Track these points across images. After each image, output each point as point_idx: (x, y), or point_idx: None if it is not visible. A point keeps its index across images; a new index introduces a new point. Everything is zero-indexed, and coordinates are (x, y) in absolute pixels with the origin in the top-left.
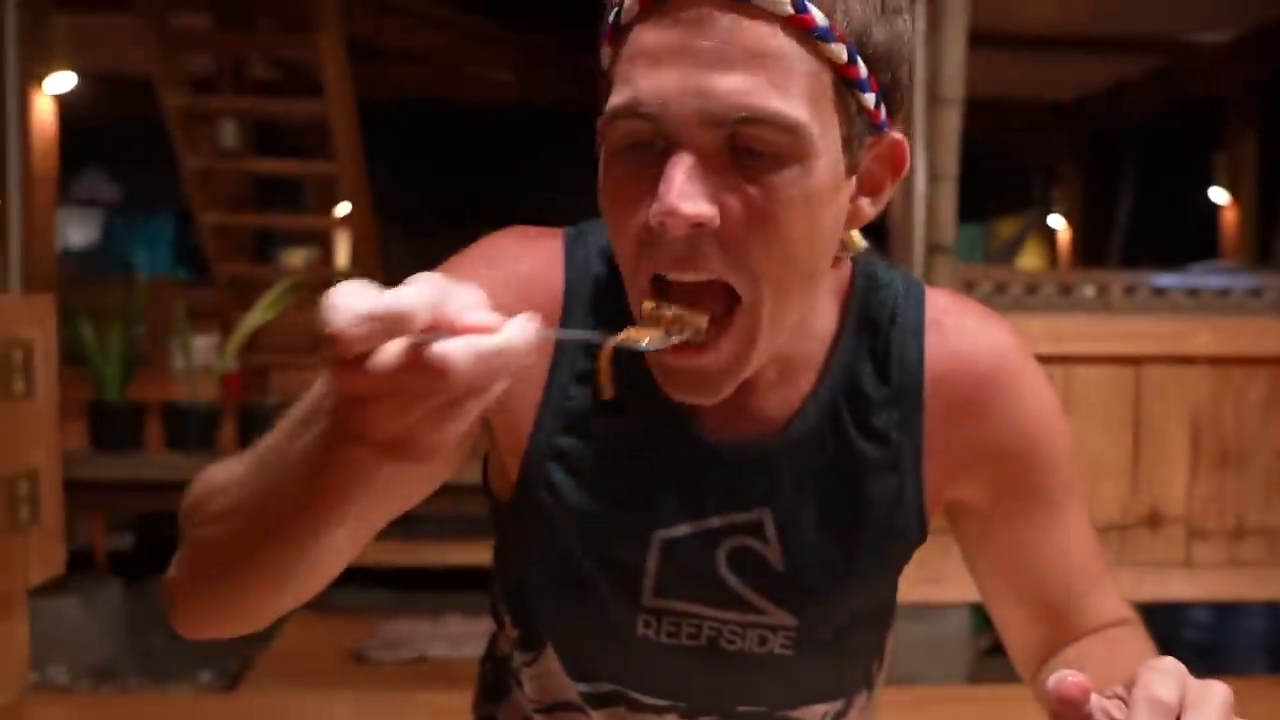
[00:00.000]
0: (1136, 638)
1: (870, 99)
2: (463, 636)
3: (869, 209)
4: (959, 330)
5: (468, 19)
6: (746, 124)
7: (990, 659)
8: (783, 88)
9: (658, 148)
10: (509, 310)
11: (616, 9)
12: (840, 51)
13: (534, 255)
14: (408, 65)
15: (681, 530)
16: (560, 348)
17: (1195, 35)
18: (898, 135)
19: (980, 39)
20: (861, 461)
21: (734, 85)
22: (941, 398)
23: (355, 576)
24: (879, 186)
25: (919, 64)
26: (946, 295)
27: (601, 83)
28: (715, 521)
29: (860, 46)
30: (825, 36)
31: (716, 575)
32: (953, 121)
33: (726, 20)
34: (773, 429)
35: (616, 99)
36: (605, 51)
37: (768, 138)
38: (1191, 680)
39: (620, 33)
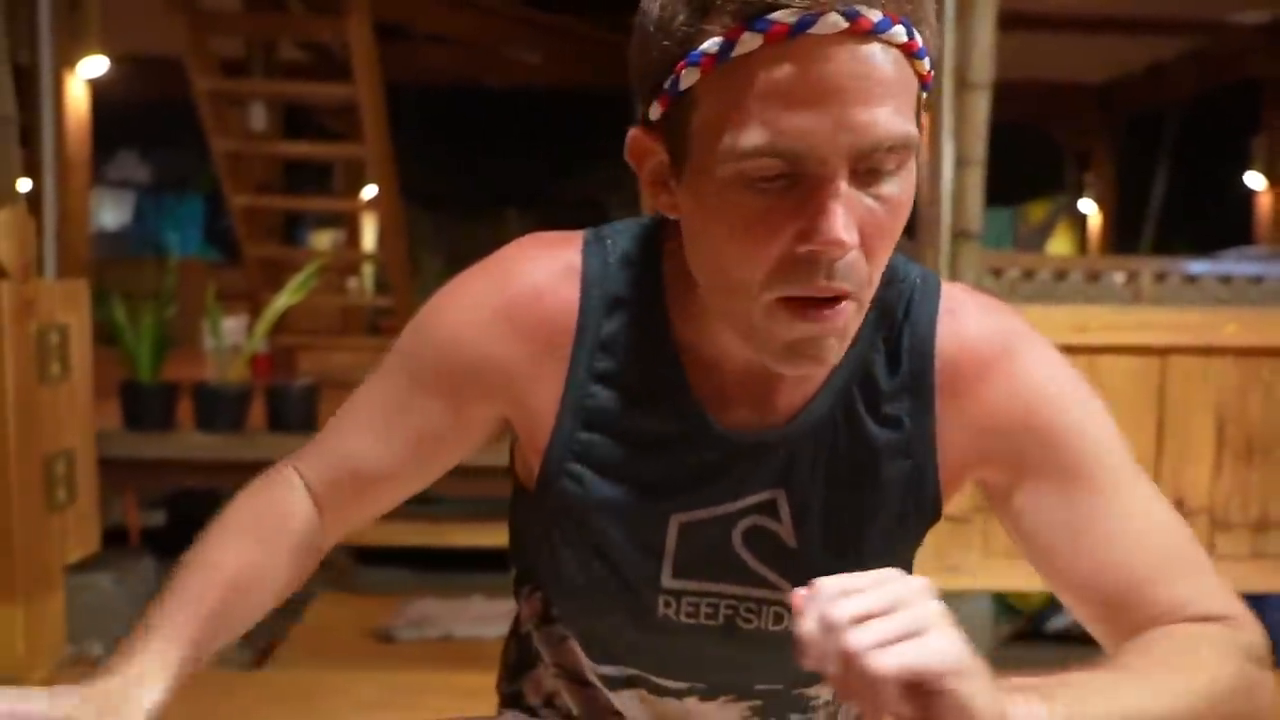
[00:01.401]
0: (1202, 639)
1: (925, 94)
2: (487, 616)
3: None
4: (968, 316)
5: (496, 1)
6: (885, 151)
7: (1012, 647)
8: (904, 110)
9: (780, 174)
10: (525, 322)
11: (721, 39)
12: (926, 64)
13: (553, 266)
14: (436, 47)
15: (699, 514)
16: (578, 349)
17: (1231, 17)
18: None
19: (1012, 20)
20: (874, 446)
21: (874, 118)
22: (951, 381)
23: (381, 557)
24: None
25: (948, 49)
26: (961, 289)
27: (665, 97)
28: (732, 505)
29: (932, 54)
30: (921, 55)
31: (733, 553)
32: (981, 107)
33: (859, 54)
34: (787, 417)
35: (755, 138)
36: (686, 74)
37: (894, 157)
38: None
39: (727, 62)
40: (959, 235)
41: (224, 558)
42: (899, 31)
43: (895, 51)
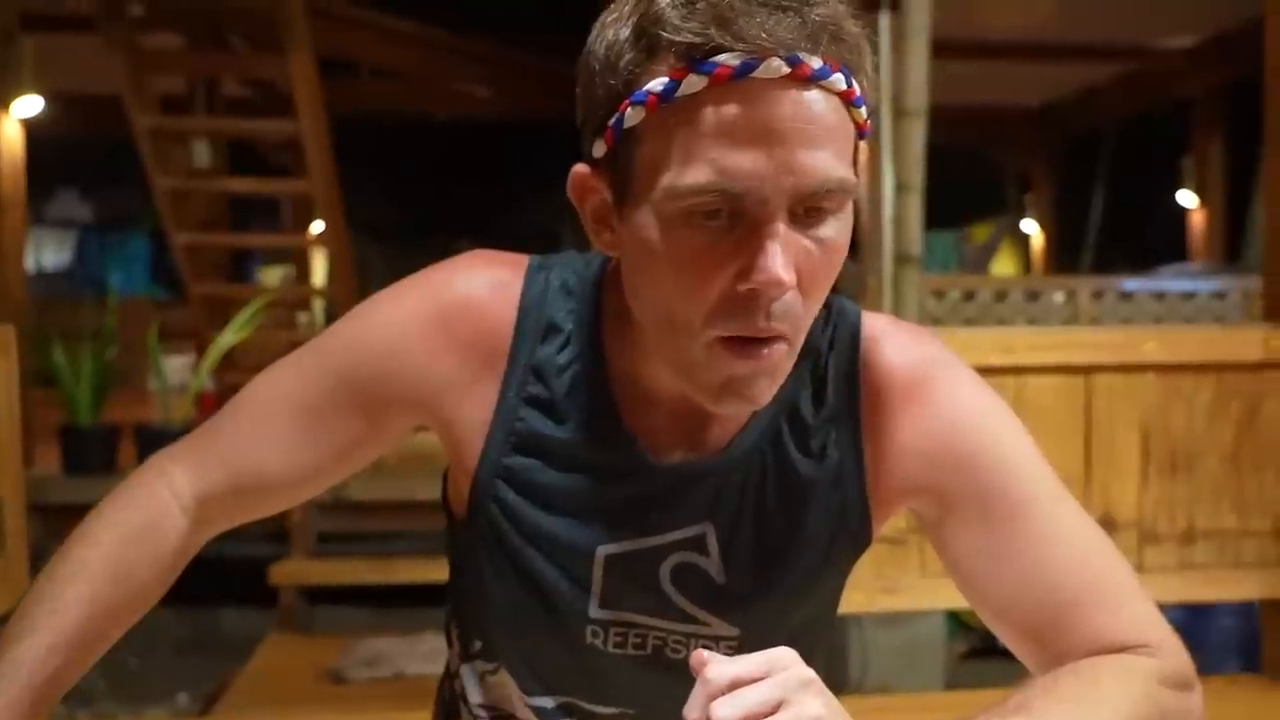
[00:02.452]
0: (1105, 671)
1: (861, 143)
2: (440, 652)
3: None
4: (890, 346)
5: (441, 34)
6: (824, 195)
7: (966, 665)
8: (842, 155)
9: (724, 215)
10: (457, 333)
11: (667, 79)
12: (863, 112)
13: (492, 282)
14: (383, 81)
15: (626, 547)
16: (510, 370)
17: (1158, 41)
18: None
19: (950, 48)
20: (802, 480)
21: (816, 161)
22: (876, 411)
23: (332, 596)
24: None
25: (884, 78)
26: (883, 319)
27: (610, 134)
28: (659, 539)
29: (868, 100)
30: (859, 103)
31: (660, 589)
32: (918, 133)
33: (800, 99)
34: (716, 451)
35: (700, 176)
36: (631, 112)
37: (832, 200)
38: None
39: (672, 102)
40: (900, 259)
41: (77, 596)
42: (838, 79)
43: (835, 99)
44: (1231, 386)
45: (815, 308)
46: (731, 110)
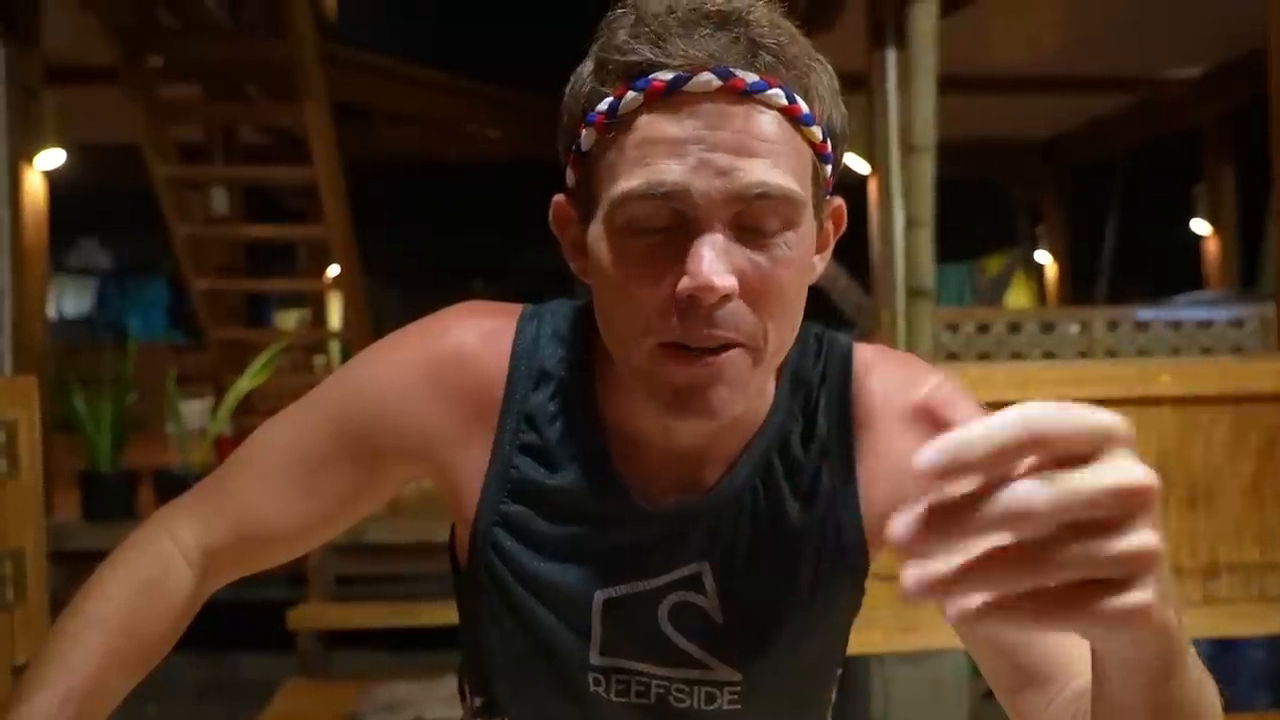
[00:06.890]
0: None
1: (828, 169)
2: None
3: (819, 265)
4: (880, 374)
5: (452, 79)
6: (760, 201)
7: (989, 703)
8: (786, 169)
9: (666, 225)
10: (451, 384)
11: (610, 99)
12: (817, 133)
13: (484, 332)
14: (397, 126)
15: (623, 590)
16: (504, 419)
17: (1165, 71)
18: (839, 200)
19: (958, 83)
20: (796, 515)
21: (752, 168)
22: (869, 440)
23: (350, 639)
24: (826, 244)
25: (892, 115)
26: (872, 348)
27: (573, 160)
28: (656, 580)
29: (828, 127)
30: (808, 121)
31: (660, 632)
32: (927, 168)
33: (734, 111)
34: (709, 490)
35: (634, 182)
36: (585, 135)
37: (776, 212)
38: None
39: (615, 120)
40: (913, 293)
41: (89, 649)
42: (777, 94)
43: (775, 114)
44: (1250, 418)
45: (779, 322)
46: (664, 121)
